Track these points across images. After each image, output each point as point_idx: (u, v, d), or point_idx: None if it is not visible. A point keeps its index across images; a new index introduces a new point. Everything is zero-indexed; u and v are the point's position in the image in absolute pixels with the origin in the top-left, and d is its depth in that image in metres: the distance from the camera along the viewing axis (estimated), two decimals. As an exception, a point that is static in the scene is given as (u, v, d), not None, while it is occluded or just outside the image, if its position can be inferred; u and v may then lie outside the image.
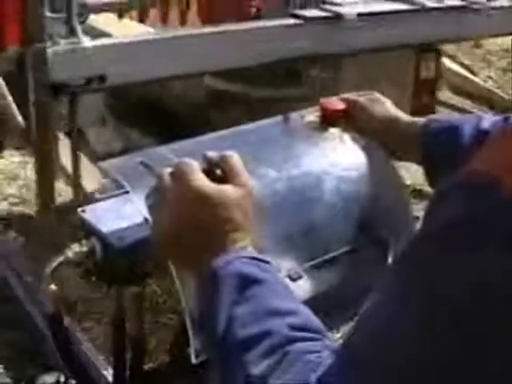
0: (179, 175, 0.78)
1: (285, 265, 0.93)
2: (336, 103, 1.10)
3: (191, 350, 0.86)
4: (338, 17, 2.13)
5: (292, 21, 2.11)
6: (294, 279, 0.94)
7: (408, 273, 0.57)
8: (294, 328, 0.71)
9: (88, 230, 1.01)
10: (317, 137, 1.08)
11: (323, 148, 1.06)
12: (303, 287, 0.91)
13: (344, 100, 1.14)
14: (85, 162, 2.23)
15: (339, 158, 1.06)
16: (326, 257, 0.97)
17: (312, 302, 0.72)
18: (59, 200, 1.90)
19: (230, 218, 0.78)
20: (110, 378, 1.06)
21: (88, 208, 1.05)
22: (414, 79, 2.48)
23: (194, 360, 0.84)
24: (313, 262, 0.99)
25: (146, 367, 1.02)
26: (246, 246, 0.78)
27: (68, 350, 1.07)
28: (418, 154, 1.08)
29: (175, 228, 0.79)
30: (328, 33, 2.16)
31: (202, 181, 0.78)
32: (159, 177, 0.81)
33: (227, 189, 0.79)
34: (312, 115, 1.11)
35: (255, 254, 0.77)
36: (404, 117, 1.12)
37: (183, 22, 2.61)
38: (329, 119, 1.09)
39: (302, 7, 2.18)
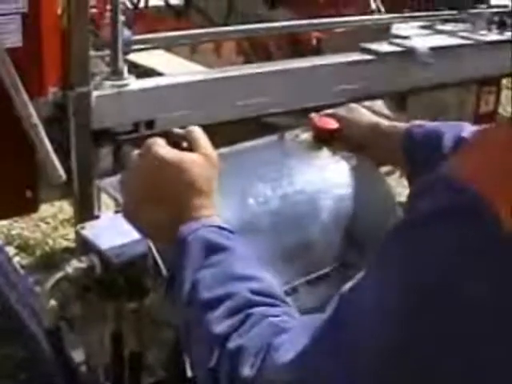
0: (144, 149, 0.82)
1: (279, 281, 0.96)
2: (329, 122, 1.13)
3: (187, 362, 0.88)
4: (411, 51, 2.09)
5: (363, 56, 2.06)
6: (289, 294, 0.97)
7: (391, 256, 0.60)
8: (255, 293, 0.76)
9: (87, 247, 1.04)
10: (311, 155, 1.11)
11: (317, 166, 1.10)
12: (298, 302, 0.94)
13: (335, 117, 1.17)
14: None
15: (332, 177, 1.09)
16: (320, 272, 1.00)
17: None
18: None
19: (192, 183, 0.83)
20: (109, 393, 1.08)
21: (87, 225, 1.08)
22: (474, 113, 2.53)
23: (189, 373, 0.87)
24: (307, 278, 1.01)
25: (144, 383, 1.04)
26: (212, 215, 0.82)
27: (67, 366, 1.08)
28: (401, 158, 1.12)
29: (141, 195, 0.83)
30: (400, 68, 2.11)
31: (165, 149, 0.83)
32: (128, 156, 0.86)
33: (190, 155, 0.85)
34: (306, 134, 1.14)
35: (221, 223, 0.80)
36: (385, 122, 1.15)
37: (238, 52, 2.54)
38: (322, 138, 1.12)
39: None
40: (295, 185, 1.11)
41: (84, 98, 1.57)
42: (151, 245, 0.99)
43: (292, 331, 0.71)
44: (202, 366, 0.75)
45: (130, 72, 1.71)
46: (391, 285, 0.62)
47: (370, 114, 1.24)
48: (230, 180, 1.05)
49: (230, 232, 0.86)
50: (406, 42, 2.16)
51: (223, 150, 1.16)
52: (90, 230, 1.09)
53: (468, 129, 1.14)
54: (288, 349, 0.68)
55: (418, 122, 1.19)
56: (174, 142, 0.91)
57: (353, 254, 1.09)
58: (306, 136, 1.21)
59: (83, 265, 1.05)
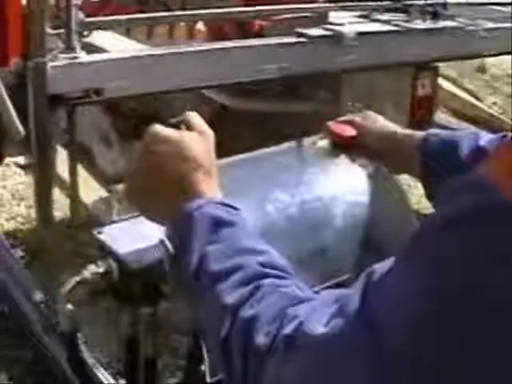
0: (145, 135, 0.85)
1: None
2: (346, 129, 1.15)
3: (206, 368, 0.89)
4: (339, 36, 2.32)
5: (295, 39, 2.30)
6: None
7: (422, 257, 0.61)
8: (264, 265, 0.77)
9: (104, 251, 1.05)
10: (328, 162, 1.13)
11: (335, 173, 1.11)
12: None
13: (352, 124, 1.19)
14: (83, 174, 2.26)
15: (350, 184, 1.11)
16: (338, 279, 1.01)
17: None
18: (57, 213, 1.98)
19: (193, 157, 0.86)
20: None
21: (104, 229, 1.09)
22: (411, 96, 2.69)
23: (208, 379, 0.88)
24: (324, 285, 1.02)
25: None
26: (215, 191, 0.84)
27: (82, 371, 1.09)
28: (417, 166, 1.14)
29: (143, 174, 0.86)
30: (329, 51, 2.34)
31: (164, 129, 0.86)
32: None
33: (188, 133, 0.88)
34: (323, 141, 1.16)
35: (225, 200, 0.82)
36: (401, 130, 1.17)
37: (191, 37, 2.84)
38: (340, 145, 1.14)
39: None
40: (313, 191, 1.12)
41: (41, 68, 1.83)
42: (169, 245, 1.00)
43: (312, 304, 0.71)
44: (213, 338, 0.76)
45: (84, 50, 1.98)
46: (417, 285, 0.62)
47: (386, 121, 1.25)
48: (249, 186, 1.06)
49: (235, 209, 0.88)
50: (337, 28, 2.36)
51: (242, 156, 1.17)
52: (107, 234, 1.09)
53: (485, 137, 1.15)
54: (317, 321, 0.68)
55: (433, 131, 1.20)
56: (173, 126, 0.95)
57: (370, 261, 1.09)
58: (323, 143, 1.22)
59: (100, 269, 1.05)
